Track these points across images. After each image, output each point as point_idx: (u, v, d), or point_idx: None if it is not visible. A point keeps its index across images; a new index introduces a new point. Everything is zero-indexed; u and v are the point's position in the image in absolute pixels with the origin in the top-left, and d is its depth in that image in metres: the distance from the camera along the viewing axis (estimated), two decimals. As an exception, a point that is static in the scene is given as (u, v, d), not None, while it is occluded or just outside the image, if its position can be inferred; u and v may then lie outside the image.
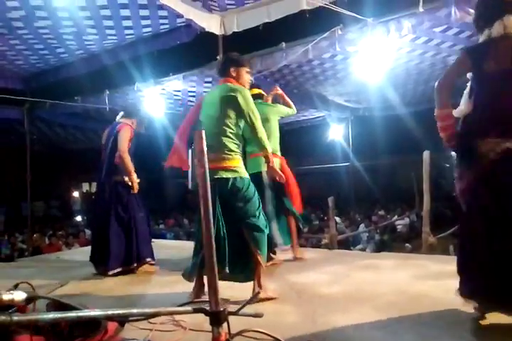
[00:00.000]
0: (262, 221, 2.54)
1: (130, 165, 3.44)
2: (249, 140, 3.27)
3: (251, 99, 2.55)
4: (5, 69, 5.30)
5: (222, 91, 2.55)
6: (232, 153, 2.52)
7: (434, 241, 4.16)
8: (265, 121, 3.48)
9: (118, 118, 3.69)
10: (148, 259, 3.53)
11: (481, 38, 2.02)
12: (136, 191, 3.51)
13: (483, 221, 1.91)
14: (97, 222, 3.62)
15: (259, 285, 2.51)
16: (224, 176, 2.46)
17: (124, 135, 3.46)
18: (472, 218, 1.97)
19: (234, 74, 2.63)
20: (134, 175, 3.48)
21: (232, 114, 2.51)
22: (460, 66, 2.05)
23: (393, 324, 2.11)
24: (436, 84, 2.09)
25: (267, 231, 2.56)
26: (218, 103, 2.52)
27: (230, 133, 2.52)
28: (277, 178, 2.68)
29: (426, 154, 4.54)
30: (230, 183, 2.46)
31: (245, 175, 2.56)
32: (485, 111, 1.96)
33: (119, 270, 3.40)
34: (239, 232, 2.49)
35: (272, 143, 3.39)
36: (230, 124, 2.52)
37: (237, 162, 2.53)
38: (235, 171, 2.50)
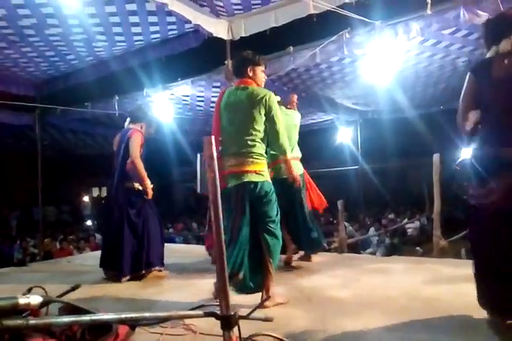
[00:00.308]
0: (278, 230, 2.54)
1: (143, 171, 3.43)
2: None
3: (277, 104, 2.56)
4: (17, 76, 5.40)
5: (251, 95, 2.52)
6: (261, 157, 2.52)
7: (446, 245, 4.12)
8: (293, 127, 3.62)
9: (126, 124, 3.72)
10: (157, 268, 3.52)
11: (490, 54, 2.05)
12: (150, 197, 3.49)
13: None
14: (108, 228, 3.61)
15: (268, 294, 2.46)
16: (253, 180, 2.47)
17: (135, 141, 3.46)
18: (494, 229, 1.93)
19: (251, 74, 2.61)
20: (148, 181, 3.46)
21: (259, 118, 2.50)
22: (468, 84, 2.07)
23: (404, 328, 2.09)
24: (457, 117, 2.10)
25: (281, 241, 2.55)
26: (247, 107, 2.50)
27: (259, 137, 2.52)
28: (296, 183, 2.75)
29: (436, 157, 4.50)
30: (258, 187, 2.46)
31: (269, 179, 2.57)
32: (500, 117, 1.96)
33: (129, 277, 3.41)
34: (257, 238, 2.48)
35: (297, 149, 3.63)
36: (258, 128, 2.51)
37: (264, 166, 2.54)
38: (263, 175, 2.51)
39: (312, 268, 3.62)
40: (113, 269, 3.47)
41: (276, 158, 3.25)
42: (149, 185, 3.47)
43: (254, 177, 2.48)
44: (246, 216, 2.46)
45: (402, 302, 2.53)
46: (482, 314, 2.02)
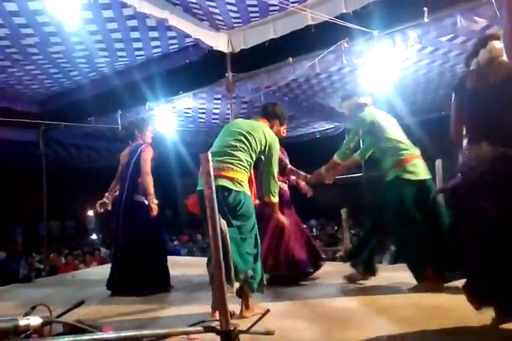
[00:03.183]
0: (249, 249, 2.45)
1: (151, 188, 3.46)
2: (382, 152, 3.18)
3: (277, 147, 2.67)
4: (21, 93, 5.48)
5: (265, 131, 2.63)
6: (243, 168, 2.50)
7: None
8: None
9: (137, 140, 3.69)
10: (164, 288, 3.49)
11: (472, 67, 2.12)
12: (155, 213, 3.48)
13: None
14: (119, 244, 3.57)
15: (247, 307, 2.44)
16: (228, 186, 2.41)
17: (147, 157, 3.50)
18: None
19: (273, 125, 2.78)
20: (154, 197, 3.46)
21: (257, 142, 2.55)
22: (453, 101, 2.15)
23: (409, 338, 2.06)
24: (451, 131, 2.19)
25: (251, 263, 2.44)
26: (256, 136, 2.57)
27: (247, 152, 2.53)
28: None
29: (438, 162, 4.48)
30: (232, 196, 2.41)
31: (249, 193, 2.53)
32: (471, 124, 2.05)
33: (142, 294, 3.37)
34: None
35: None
36: (249, 147, 2.54)
37: (244, 177, 2.51)
38: (241, 185, 2.47)
39: (316, 279, 3.59)
40: (122, 288, 3.43)
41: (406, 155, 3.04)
42: (155, 201, 3.46)
43: (229, 184, 2.41)
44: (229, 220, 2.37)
45: (408, 311, 2.49)
46: (484, 321, 1.98)
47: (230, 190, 2.41)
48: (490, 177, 1.85)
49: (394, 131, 3.21)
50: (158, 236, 3.57)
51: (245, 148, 2.53)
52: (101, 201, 3.72)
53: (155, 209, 3.46)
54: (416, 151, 3.17)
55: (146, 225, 3.48)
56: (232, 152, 2.50)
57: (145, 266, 3.41)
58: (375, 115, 3.25)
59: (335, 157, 3.39)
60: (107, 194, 3.74)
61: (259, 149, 2.58)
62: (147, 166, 3.48)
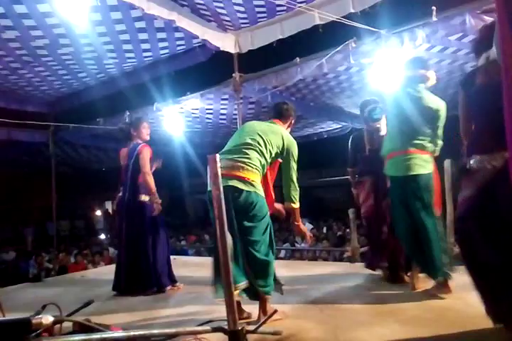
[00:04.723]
0: (263, 253, 2.38)
1: (153, 186, 3.47)
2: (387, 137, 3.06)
3: (296, 151, 2.59)
4: (31, 94, 5.54)
5: (277, 127, 2.60)
6: (256, 168, 2.43)
7: (459, 252, 4.03)
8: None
9: (134, 140, 3.69)
10: (169, 287, 3.51)
11: (480, 61, 2.05)
12: (157, 212, 3.49)
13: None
14: (125, 245, 3.58)
15: (264, 311, 2.36)
16: (239, 186, 2.34)
17: (145, 156, 3.50)
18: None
19: (288, 123, 2.74)
20: (157, 196, 3.47)
21: (273, 142, 2.50)
22: (459, 97, 2.10)
23: (417, 339, 2.05)
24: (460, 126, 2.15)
25: (266, 266, 2.37)
26: (267, 130, 2.54)
27: (261, 152, 2.47)
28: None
29: (447, 163, 4.43)
30: (243, 196, 2.34)
31: (262, 193, 2.45)
32: (480, 125, 1.99)
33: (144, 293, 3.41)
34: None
35: None
36: (264, 147, 2.47)
37: (257, 177, 2.44)
38: (253, 185, 2.38)
39: (323, 279, 3.58)
40: (128, 289, 3.45)
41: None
42: (158, 200, 3.47)
43: (240, 184, 2.34)
44: (233, 225, 2.29)
45: (415, 311, 2.48)
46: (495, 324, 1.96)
47: (240, 191, 2.33)
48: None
49: None
50: (161, 236, 3.57)
51: (260, 148, 2.45)
52: (116, 201, 3.78)
53: (158, 209, 3.48)
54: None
55: (149, 225, 3.49)
56: (245, 150, 2.43)
57: (149, 266, 3.43)
58: None
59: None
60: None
61: (275, 151, 2.51)
62: (146, 166, 3.48)
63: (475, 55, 2.12)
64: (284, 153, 2.54)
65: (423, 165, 2.83)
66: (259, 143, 2.47)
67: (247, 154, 2.42)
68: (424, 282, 2.99)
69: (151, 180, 3.47)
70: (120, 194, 3.69)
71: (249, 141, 2.47)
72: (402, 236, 2.97)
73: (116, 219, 3.75)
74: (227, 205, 2.23)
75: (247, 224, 2.35)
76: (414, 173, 2.80)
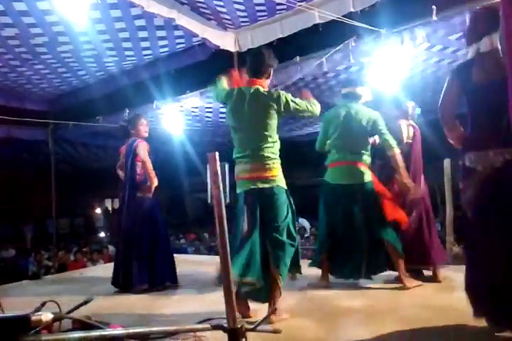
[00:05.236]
0: (288, 237, 2.44)
1: (151, 171, 3.56)
2: (331, 148, 3.32)
3: (284, 94, 2.50)
4: (30, 92, 5.53)
5: (265, 96, 2.48)
6: (272, 162, 2.47)
7: (459, 251, 4.05)
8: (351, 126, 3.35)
9: (138, 134, 3.75)
10: (168, 284, 3.54)
11: (470, 52, 2.04)
12: (151, 190, 3.56)
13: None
14: (124, 240, 3.63)
15: (274, 307, 2.35)
16: (262, 186, 2.42)
17: (143, 153, 3.56)
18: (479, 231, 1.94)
19: (267, 76, 2.58)
20: (155, 180, 3.57)
21: (274, 119, 2.47)
22: (452, 88, 2.07)
23: (417, 337, 2.06)
24: (439, 112, 2.11)
25: (290, 252, 2.44)
26: (261, 108, 2.47)
27: (271, 140, 2.48)
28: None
29: (447, 162, 4.46)
30: (266, 193, 2.42)
31: (283, 184, 2.50)
32: (479, 122, 1.98)
33: (144, 287, 3.43)
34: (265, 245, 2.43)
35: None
36: (271, 130, 2.48)
37: (276, 171, 2.48)
38: (274, 181, 2.45)
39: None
40: (126, 283, 3.47)
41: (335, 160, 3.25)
42: (155, 183, 3.55)
43: (261, 184, 2.43)
44: (256, 222, 2.40)
45: (415, 310, 2.49)
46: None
47: (262, 189, 2.42)
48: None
49: None
50: (161, 233, 3.62)
51: (270, 131, 2.46)
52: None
53: (153, 188, 3.56)
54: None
55: (150, 222, 3.55)
56: (262, 148, 2.45)
57: (151, 263, 3.46)
58: None
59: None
60: None
61: (272, 119, 2.47)
62: (149, 164, 3.56)
63: (467, 44, 2.10)
64: (280, 108, 2.46)
65: (364, 173, 3.16)
66: (267, 131, 2.45)
67: (263, 151, 2.44)
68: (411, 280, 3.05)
69: (149, 165, 3.55)
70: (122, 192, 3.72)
71: (256, 136, 2.46)
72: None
73: (116, 216, 3.77)
74: (253, 206, 2.38)
75: (271, 214, 2.42)
76: (359, 182, 3.14)
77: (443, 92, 2.09)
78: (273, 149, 2.49)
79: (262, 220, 2.44)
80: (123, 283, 3.49)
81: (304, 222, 11.12)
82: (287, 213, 2.48)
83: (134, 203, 3.57)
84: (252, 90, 2.52)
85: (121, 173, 3.82)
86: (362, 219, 3.08)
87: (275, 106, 2.46)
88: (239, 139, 2.56)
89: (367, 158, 3.24)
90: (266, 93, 2.51)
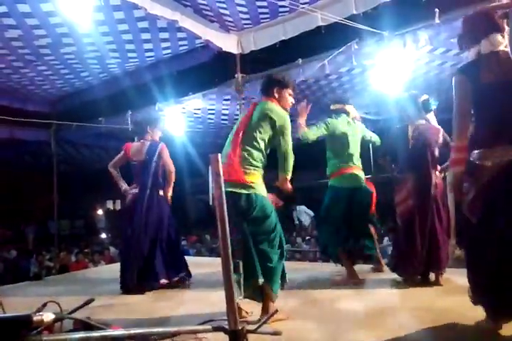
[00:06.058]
0: (274, 250, 2.41)
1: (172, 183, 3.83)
2: (336, 154, 3.64)
3: (288, 123, 2.53)
4: (33, 93, 5.55)
5: (262, 108, 2.55)
6: (254, 168, 2.45)
7: (461, 254, 4.02)
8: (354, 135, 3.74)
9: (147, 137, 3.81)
10: (182, 275, 3.65)
11: (471, 55, 2.04)
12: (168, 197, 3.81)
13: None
14: (138, 238, 3.63)
15: (266, 311, 2.34)
16: (237, 191, 2.37)
17: (168, 155, 3.78)
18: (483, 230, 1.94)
19: (276, 95, 2.62)
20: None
21: (262, 129, 2.48)
22: (461, 87, 2.03)
23: (417, 339, 2.05)
24: (453, 118, 2.06)
25: (278, 264, 2.40)
26: (255, 118, 2.52)
27: (254, 147, 2.46)
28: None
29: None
30: (243, 200, 2.37)
31: (262, 192, 2.45)
32: (486, 121, 1.97)
33: (166, 281, 3.52)
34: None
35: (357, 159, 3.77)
36: (257, 138, 2.47)
37: (256, 177, 2.46)
38: (252, 187, 2.41)
39: (324, 280, 3.57)
40: (142, 281, 3.49)
41: (339, 168, 3.62)
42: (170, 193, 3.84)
43: (237, 189, 2.36)
44: (242, 229, 2.36)
45: (416, 313, 2.48)
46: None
47: (239, 195, 2.37)
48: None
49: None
50: (175, 230, 3.80)
51: (254, 143, 2.47)
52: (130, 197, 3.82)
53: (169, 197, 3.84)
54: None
55: (169, 219, 3.73)
56: (243, 152, 2.45)
57: (172, 257, 3.63)
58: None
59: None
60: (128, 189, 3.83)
61: (267, 136, 2.49)
62: (172, 165, 3.79)
63: (463, 47, 2.11)
64: (276, 131, 2.49)
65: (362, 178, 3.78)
66: (252, 138, 2.47)
67: (245, 156, 2.44)
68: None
69: (173, 170, 3.81)
70: (135, 190, 3.73)
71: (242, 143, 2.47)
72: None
73: (124, 214, 3.87)
74: (229, 210, 2.28)
75: (253, 224, 2.39)
76: (363, 184, 3.72)
77: (457, 97, 2.03)
78: (255, 163, 2.48)
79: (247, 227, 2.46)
80: (138, 281, 3.47)
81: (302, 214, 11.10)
82: (275, 226, 2.51)
83: (156, 201, 3.67)
84: (263, 103, 2.63)
85: (113, 171, 3.92)
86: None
87: (273, 120, 2.49)
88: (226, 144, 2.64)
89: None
90: (275, 107, 2.55)
